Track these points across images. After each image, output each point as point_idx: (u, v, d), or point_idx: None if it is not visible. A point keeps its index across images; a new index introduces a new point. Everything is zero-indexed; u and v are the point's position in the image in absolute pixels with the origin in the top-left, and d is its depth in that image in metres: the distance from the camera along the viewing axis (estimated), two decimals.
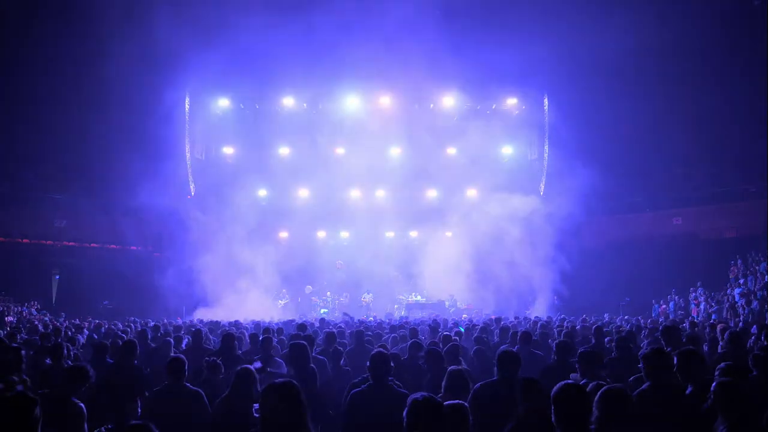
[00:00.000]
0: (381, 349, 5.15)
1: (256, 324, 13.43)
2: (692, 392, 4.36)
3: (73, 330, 11.53)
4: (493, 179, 25.29)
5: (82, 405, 4.04)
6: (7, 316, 17.65)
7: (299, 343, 6.01)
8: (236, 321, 13.97)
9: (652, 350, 4.64)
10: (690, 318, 17.10)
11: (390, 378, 4.53)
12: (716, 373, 4.50)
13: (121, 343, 7.36)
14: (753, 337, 8.92)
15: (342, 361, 6.86)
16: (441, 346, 6.86)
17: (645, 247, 23.61)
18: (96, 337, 11.36)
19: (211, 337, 9.81)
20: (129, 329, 11.25)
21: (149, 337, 9.51)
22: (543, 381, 4.18)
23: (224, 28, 20.65)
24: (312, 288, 26.15)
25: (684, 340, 7.48)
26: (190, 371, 5.40)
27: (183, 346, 8.71)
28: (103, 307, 21.37)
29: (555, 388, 3.22)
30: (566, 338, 7.65)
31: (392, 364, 4.68)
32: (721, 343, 7.96)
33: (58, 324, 13.81)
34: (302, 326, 9.96)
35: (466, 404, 3.41)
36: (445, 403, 3.23)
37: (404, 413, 3.02)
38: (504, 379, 4.56)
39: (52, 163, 24.44)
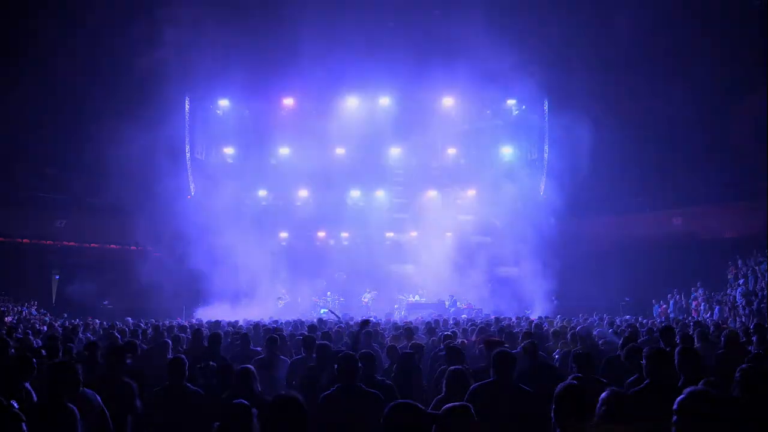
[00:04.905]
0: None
1: (256, 324, 13.37)
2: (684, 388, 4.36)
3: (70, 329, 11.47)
4: (493, 179, 25.29)
5: (73, 407, 3.99)
6: (7, 316, 17.64)
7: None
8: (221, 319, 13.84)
9: (653, 350, 4.70)
10: (692, 319, 17.06)
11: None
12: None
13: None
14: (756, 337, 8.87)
15: None
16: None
17: (645, 247, 23.56)
18: (92, 337, 11.31)
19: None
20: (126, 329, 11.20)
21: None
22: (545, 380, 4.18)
23: (224, 29, 20.64)
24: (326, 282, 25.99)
25: (678, 340, 7.49)
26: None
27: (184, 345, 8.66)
28: (103, 307, 21.35)
29: (558, 388, 3.27)
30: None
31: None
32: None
33: (58, 324, 13.79)
34: (312, 327, 9.91)
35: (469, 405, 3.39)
36: (447, 405, 3.20)
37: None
38: (500, 379, 4.54)
39: (52, 163, 24.43)
